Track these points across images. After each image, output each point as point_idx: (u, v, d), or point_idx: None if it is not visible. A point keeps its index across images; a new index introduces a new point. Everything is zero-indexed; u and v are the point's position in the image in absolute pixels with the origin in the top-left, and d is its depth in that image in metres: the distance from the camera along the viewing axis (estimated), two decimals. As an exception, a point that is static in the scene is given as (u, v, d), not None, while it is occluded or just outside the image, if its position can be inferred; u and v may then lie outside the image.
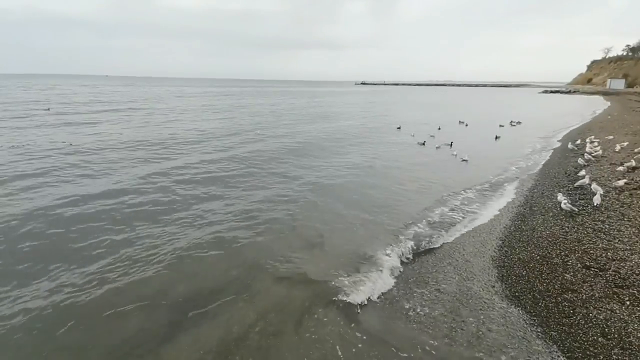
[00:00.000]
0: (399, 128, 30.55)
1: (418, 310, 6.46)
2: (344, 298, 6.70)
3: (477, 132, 29.05)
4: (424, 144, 22.69)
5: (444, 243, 9.17)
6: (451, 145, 22.00)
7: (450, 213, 11.19)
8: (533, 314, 6.24)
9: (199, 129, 27.25)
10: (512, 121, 34.71)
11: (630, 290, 6.45)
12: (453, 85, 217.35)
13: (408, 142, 23.72)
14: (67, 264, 7.72)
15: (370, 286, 7.08)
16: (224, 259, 8.07)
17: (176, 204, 11.33)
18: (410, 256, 8.46)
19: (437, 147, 21.75)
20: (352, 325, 6.05)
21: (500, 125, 32.30)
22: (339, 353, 5.45)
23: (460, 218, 10.81)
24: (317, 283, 7.20)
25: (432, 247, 8.99)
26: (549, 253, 8.08)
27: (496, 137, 26.00)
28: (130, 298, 6.64)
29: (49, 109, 36.54)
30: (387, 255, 8.30)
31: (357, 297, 6.74)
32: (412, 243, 8.97)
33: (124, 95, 65.78)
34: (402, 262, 8.15)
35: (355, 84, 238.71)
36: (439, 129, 29.84)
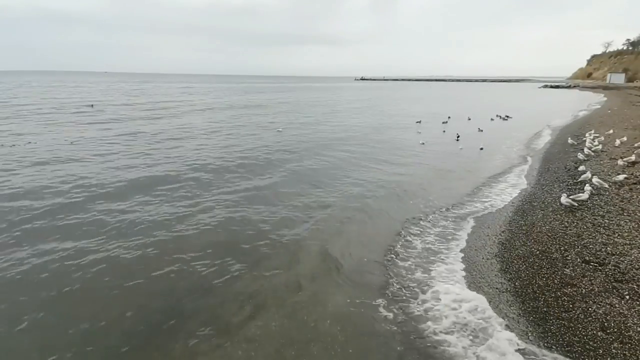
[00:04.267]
0: (418, 122, 31.25)
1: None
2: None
3: (465, 125, 29.36)
4: (481, 149, 19.94)
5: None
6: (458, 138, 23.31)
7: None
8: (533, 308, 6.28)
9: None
10: (498, 114, 34.71)
11: (630, 285, 6.47)
12: (453, 80, 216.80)
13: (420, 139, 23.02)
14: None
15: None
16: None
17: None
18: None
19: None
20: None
21: (491, 119, 32.84)
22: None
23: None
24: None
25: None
26: (549, 248, 8.09)
27: (479, 129, 26.63)
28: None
29: (92, 106, 38.23)
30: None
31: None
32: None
33: (157, 91, 71.79)
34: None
35: (355, 79, 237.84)
36: (447, 120, 31.68)
